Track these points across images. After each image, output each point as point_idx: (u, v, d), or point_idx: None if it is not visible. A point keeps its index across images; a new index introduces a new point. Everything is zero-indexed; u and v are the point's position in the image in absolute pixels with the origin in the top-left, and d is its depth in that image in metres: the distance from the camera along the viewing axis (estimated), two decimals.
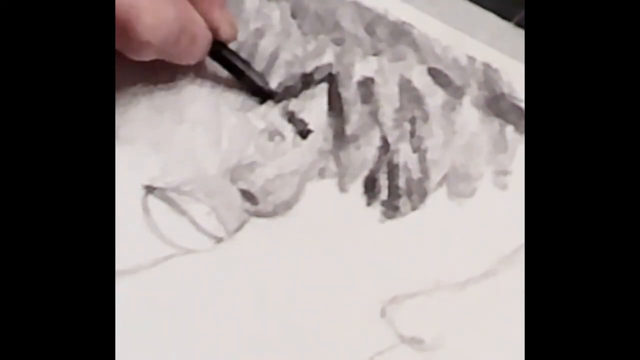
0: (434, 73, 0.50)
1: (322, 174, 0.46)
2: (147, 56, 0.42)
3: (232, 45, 0.47)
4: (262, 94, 0.47)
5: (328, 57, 0.49)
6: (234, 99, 0.47)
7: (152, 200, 0.44)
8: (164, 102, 0.45)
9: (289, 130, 0.47)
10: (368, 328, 0.44)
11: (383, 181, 0.47)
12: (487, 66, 0.51)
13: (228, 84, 0.47)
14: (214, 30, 0.44)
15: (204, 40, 0.44)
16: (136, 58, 0.42)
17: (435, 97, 0.49)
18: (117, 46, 0.39)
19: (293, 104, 0.47)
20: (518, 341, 0.38)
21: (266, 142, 0.46)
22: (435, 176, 0.47)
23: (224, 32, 0.45)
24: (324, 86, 0.48)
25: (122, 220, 0.39)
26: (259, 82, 0.47)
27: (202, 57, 0.45)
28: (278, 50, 0.48)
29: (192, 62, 0.45)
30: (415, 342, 0.44)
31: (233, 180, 0.45)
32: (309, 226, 0.45)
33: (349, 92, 0.48)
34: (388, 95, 0.49)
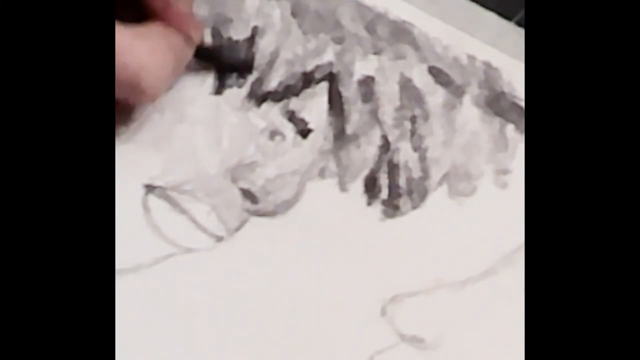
0: (434, 72, 0.50)
1: (322, 173, 0.46)
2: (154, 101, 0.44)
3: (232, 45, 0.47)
4: (245, 69, 0.47)
5: (328, 56, 0.49)
6: (234, 98, 0.47)
7: (152, 199, 0.44)
8: (164, 101, 0.45)
9: (289, 129, 0.47)
10: (368, 327, 0.44)
11: (383, 180, 0.47)
12: (487, 65, 0.51)
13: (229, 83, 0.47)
14: (187, 39, 0.44)
15: (188, 58, 0.45)
16: (144, 105, 0.44)
17: (435, 96, 0.49)
18: (123, 97, 0.41)
19: (293, 103, 0.47)
20: (518, 340, 0.38)
21: (266, 141, 0.46)
22: (435, 175, 0.48)
23: (196, 37, 0.45)
24: (324, 85, 0.48)
25: (123, 219, 0.39)
26: (239, 61, 0.47)
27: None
28: (278, 49, 0.48)
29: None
30: (415, 340, 0.44)
31: (233, 180, 0.45)
32: (310, 226, 0.45)
33: (350, 91, 0.48)
34: (388, 94, 0.49)
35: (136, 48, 0.40)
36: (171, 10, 0.43)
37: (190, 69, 0.45)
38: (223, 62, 0.47)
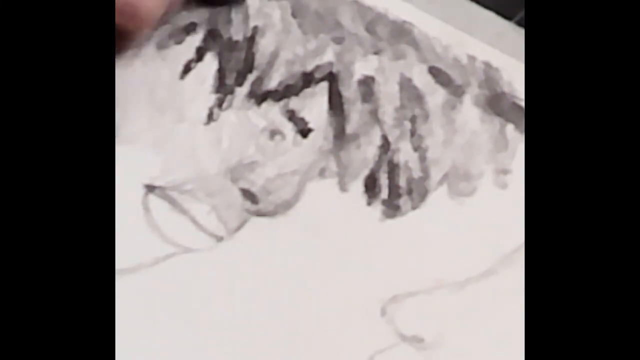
0: (434, 72, 0.50)
1: (322, 173, 0.46)
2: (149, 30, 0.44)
3: (232, 45, 0.47)
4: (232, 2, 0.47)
5: (328, 56, 0.49)
6: (234, 97, 0.47)
7: (152, 199, 0.44)
8: (165, 101, 0.46)
9: (289, 129, 0.47)
10: (369, 327, 0.44)
11: (383, 180, 0.47)
12: (487, 65, 0.51)
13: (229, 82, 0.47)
14: None
15: None
16: (139, 34, 0.44)
17: (435, 95, 0.49)
18: (121, 23, 0.41)
19: (293, 103, 0.47)
20: (518, 340, 0.38)
21: (267, 141, 0.46)
22: (435, 175, 0.48)
23: None
24: (324, 85, 0.48)
25: (123, 219, 0.39)
26: None
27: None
28: (278, 49, 0.48)
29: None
30: (415, 340, 0.44)
31: (233, 180, 0.45)
32: (310, 226, 0.45)
33: (350, 91, 0.48)
34: (388, 94, 0.49)
35: None
36: None
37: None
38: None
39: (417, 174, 0.47)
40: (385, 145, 0.48)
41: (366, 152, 0.47)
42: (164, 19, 0.45)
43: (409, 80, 0.49)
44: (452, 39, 0.51)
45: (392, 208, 0.46)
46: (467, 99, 0.50)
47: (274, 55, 0.48)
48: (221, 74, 0.47)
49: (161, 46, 0.46)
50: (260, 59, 0.48)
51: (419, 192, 0.47)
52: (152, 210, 0.43)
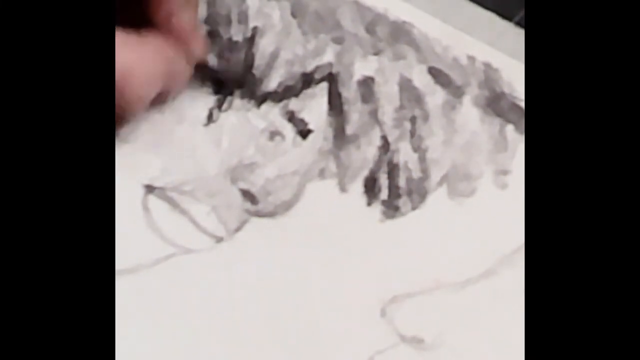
0: (434, 72, 0.50)
1: (322, 174, 0.46)
2: (139, 112, 0.43)
3: (231, 45, 0.47)
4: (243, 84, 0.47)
5: (328, 57, 0.49)
6: (234, 99, 0.47)
7: (152, 199, 0.44)
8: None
9: (289, 129, 0.47)
10: (368, 327, 0.44)
11: (383, 181, 0.47)
12: (487, 65, 0.51)
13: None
14: (187, 54, 0.43)
15: (187, 74, 0.44)
16: (128, 115, 0.43)
17: (435, 96, 0.49)
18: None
19: (293, 104, 0.47)
20: (518, 341, 0.38)
21: (266, 141, 0.46)
22: (435, 176, 0.48)
23: (197, 53, 0.44)
24: (324, 85, 0.48)
25: (123, 220, 0.39)
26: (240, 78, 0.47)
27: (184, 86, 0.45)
28: (278, 49, 0.48)
29: (176, 93, 0.45)
30: (415, 341, 0.44)
31: (233, 180, 0.45)
32: (309, 226, 0.45)
33: (349, 92, 0.48)
34: (388, 94, 0.49)
35: (124, 54, 0.39)
36: (173, 22, 0.42)
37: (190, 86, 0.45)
38: (225, 81, 0.47)
39: (416, 174, 0.47)
40: (385, 145, 0.48)
41: (366, 152, 0.47)
42: (161, 100, 0.44)
43: (409, 80, 0.49)
44: (452, 39, 0.51)
45: (391, 209, 0.46)
46: (467, 99, 0.50)
47: (274, 56, 0.48)
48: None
49: None
50: (259, 59, 0.48)
51: (418, 192, 0.47)
52: (151, 211, 0.43)
